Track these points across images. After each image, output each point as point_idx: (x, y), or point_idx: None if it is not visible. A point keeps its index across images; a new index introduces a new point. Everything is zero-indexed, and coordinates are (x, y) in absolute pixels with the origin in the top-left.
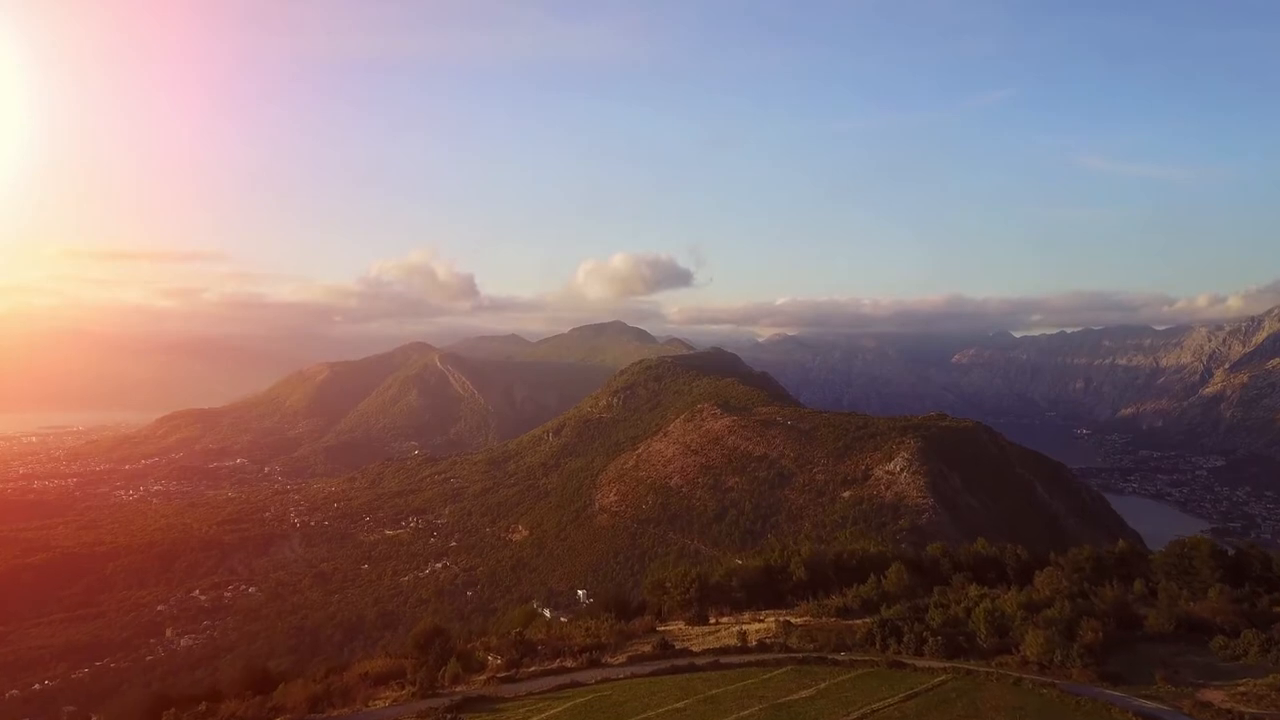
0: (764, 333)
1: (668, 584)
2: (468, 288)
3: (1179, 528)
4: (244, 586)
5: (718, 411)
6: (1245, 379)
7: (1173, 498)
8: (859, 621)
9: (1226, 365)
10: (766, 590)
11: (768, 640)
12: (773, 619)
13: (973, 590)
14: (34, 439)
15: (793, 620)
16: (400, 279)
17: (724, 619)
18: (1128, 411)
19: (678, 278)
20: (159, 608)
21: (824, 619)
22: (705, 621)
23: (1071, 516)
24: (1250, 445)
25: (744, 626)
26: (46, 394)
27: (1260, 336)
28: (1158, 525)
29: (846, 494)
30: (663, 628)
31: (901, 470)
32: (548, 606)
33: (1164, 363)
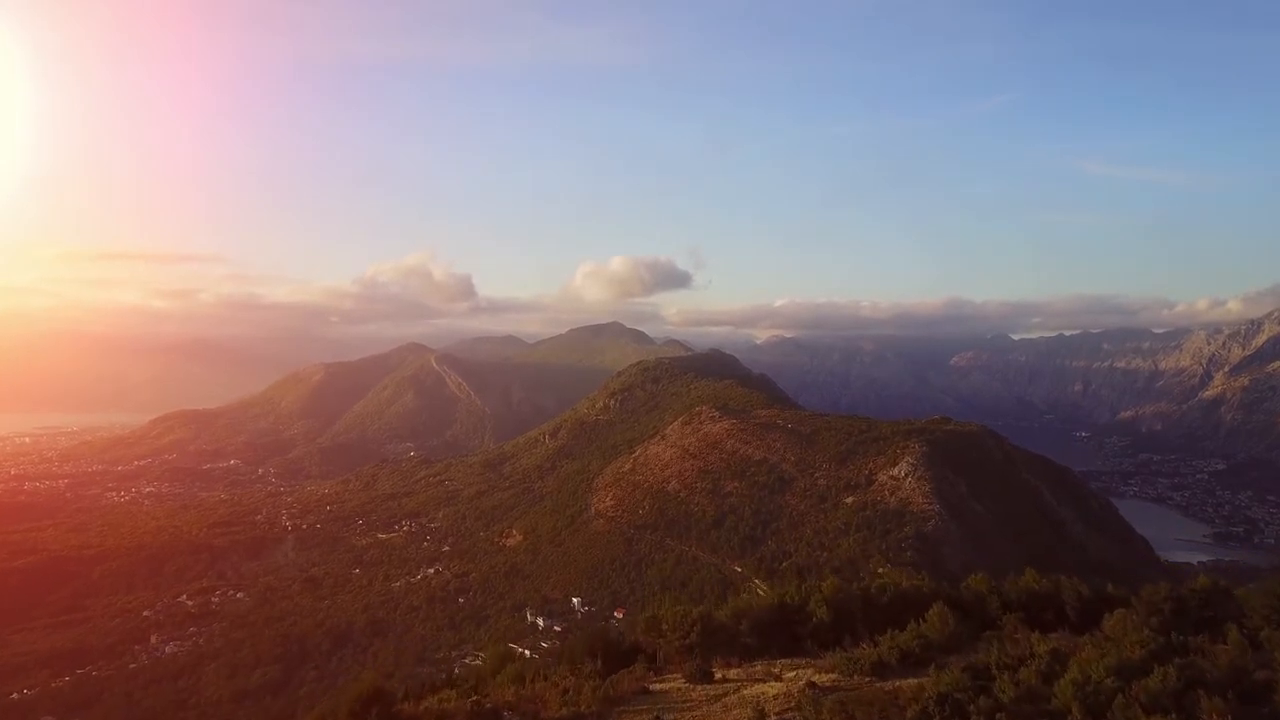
0: (762, 335)
1: (664, 625)
2: (465, 289)
3: (1182, 532)
4: (232, 592)
5: (716, 414)
6: (1245, 382)
7: (1174, 501)
8: (903, 683)
9: (1226, 368)
10: (781, 633)
11: (789, 716)
12: (793, 676)
13: (1037, 642)
14: (27, 439)
15: (818, 681)
16: (397, 280)
17: (732, 672)
18: (1127, 414)
19: (676, 279)
20: (145, 613)
21: (857, 679)
22: (709, 678)
23: (1079, 523)
24: (1251, 449)
25: (759, 689)
26: (45, 395)
27: (1260, 340)
28: (1161, 529)
29: (849, 500)
30: (658, 685)
31: (906, 476)
32: (541, 615)
33: (1163, 366)
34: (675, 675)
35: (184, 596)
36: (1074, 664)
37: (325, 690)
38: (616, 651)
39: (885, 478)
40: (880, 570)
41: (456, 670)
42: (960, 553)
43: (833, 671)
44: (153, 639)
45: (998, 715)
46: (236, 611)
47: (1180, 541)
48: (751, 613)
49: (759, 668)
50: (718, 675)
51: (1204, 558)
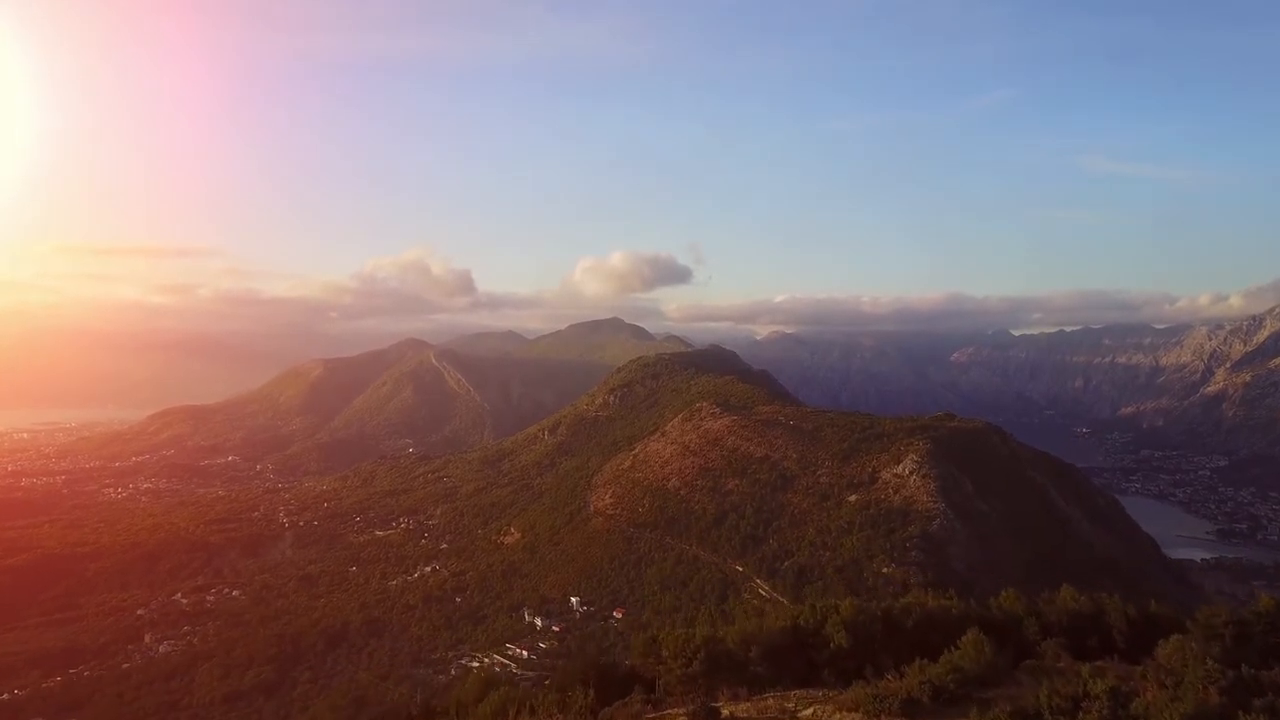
0: (762, 330)
1: (664, 651)
2: (465, 284)
3: (1185, 529)
4: (228, 590)
5: (717, 411)
6: (1247, 378)
7: (1176, 498)
8: None
9: (1228, 364)
10: (795, 659)
11: None
12: (810, 714)
13: (1089, 677)
14: (25, 435)
15: None
16: (397, 275)
17: (740, 707)
18: (1128, 410)
19: (676, 275)
20: (139, 612)
21: None
22: (715, 716)
23: (1085, 521)
24: (1253, 445)
25: None
26: (44, 391)
27: (1262, 335)
28: (1164, 526)
29: (852, 498)
30: None
31: (910, 473)
32: (539, 615)
33: (1164, 361)
34: (676, 712)
35: (179, 595)
36: (1141, 707)
37: (319, 692)
38: (611, 678)
39: (889, 475)
40: (886, 570)
41: (452, 673)
42: (966, 552)
43: (855, 709)
44: (146, 638)
45: None
46: (232, 610)
47: (1183, 539)
48: (762, 638)
49: (770, 702)
50: (724, 711)
51: (1207, 555)
